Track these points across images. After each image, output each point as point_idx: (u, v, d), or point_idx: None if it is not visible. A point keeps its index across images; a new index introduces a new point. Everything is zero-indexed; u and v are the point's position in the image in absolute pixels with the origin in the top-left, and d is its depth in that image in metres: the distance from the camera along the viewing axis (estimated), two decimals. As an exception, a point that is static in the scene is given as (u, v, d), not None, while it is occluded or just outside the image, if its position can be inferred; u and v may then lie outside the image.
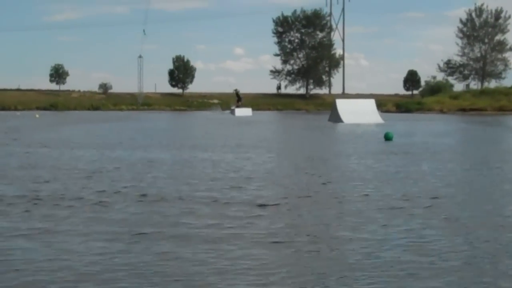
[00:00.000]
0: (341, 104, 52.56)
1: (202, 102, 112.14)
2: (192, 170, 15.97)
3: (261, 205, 10.72)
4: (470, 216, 9.94)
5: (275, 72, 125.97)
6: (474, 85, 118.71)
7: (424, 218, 9.65)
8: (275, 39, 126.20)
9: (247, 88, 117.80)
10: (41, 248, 7.83)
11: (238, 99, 74.47)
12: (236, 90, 77.18)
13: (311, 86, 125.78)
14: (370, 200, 11.36)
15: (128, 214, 9.96)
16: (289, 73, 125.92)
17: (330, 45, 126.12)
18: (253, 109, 75.07)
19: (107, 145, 24.89)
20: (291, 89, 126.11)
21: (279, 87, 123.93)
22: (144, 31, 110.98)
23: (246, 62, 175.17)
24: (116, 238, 8.35)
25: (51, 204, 10.79)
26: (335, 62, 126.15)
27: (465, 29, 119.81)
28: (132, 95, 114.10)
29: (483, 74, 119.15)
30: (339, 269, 6.88)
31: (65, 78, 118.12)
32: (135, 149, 22.77)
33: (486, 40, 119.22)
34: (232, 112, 72.00)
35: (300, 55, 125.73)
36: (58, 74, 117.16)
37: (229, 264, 7.08)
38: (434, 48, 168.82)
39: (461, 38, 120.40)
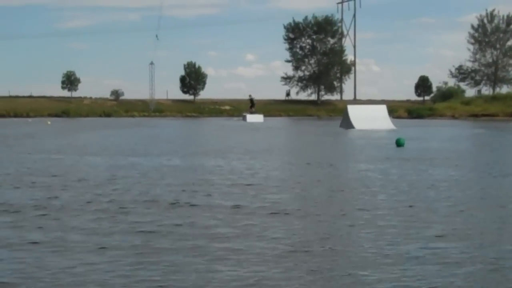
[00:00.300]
0: (352, 110, 52.57)
1: (214, 109, 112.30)
2: (208, 176, 16.03)
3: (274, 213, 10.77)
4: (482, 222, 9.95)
5: (287, 79, 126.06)
6: (486, 90, 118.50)
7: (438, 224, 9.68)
8: (287, 46, 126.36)
9: (258, 94, 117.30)
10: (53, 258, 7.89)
11: (252, 105, 74.42)
12: (250, 96, 77.30)
13: (323, 92, 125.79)
14: (380, 207, 11.38)
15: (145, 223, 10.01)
16: (300, 79, 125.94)
17: (341, 51, 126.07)
18: (264, 115, 75.01)
19: (120, 151, 24.98)
20: (303, 95, 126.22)
21: (288, 93, 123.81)
22: (157, 36, 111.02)
23: (257, 68, 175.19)
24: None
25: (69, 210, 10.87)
26: (346, 68, 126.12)
27: (476, 34, 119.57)
28: (143, 102, 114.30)
29: (495, 80, 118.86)
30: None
31: (77, 85, 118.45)
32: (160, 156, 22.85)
33: (498, 46, 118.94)
34: (244, 118, 72.01)
35: (312, 61, 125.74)
36: (70, 81, 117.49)
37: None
38: (445, 53, 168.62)
39: (472, 43, 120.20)
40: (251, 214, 10.66)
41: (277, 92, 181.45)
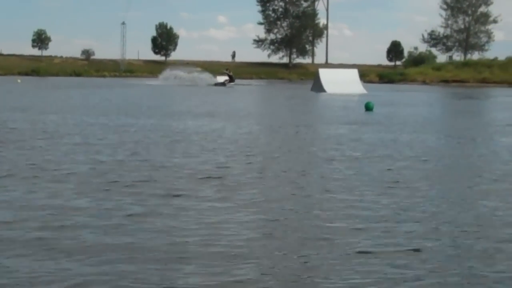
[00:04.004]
0: (324, 73, 52.59)
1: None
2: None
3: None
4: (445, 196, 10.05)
5: (259, 41, 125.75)
6: (457, 56, 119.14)
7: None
8: (259, 8, 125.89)
9: (229, 56, 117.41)
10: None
11: (230, 79, 67.28)
12: (227, 69, 71.54)
13: (294, 56, 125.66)
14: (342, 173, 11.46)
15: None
16: (272, 42, 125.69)
17: (314, 14, 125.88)
18: (236, 78, 74.50)
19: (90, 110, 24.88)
20: (274, 58, 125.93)
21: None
22: None
23: (229, 31, 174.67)
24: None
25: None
26: (318, 32, 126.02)
27: (449, 0, 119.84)
28: (114, 62, 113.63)
29: (466, 46, 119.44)
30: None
31: (47, 44, 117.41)
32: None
33: (470, 12, 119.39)
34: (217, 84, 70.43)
35: (284, 24, 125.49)
36: (40, 39, 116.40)
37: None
38: (418, 19, 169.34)
39: (445, 9, 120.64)
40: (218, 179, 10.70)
41: (249, 54, 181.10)
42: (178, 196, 8.90)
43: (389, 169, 11.49)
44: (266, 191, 9.42)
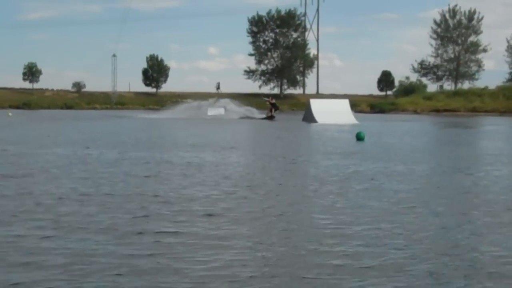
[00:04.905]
0: (315, 104, 52.72)
1: (176, 102, 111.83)
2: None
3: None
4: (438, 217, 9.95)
5: (250, 72, 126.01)
6: (448, 85, 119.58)
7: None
8: (250, 39, 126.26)
9: (216, 87, 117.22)
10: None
11: (274, 108, 59.55)
12: (270, 97, 64.75)
13: (285, 86, 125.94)
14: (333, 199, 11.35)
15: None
16: (263, 73, 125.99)
17: (304, 45, 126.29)
18: (226, 109, 74.17)
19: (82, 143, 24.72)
20: (265, 89, 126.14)
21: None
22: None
23: (220, 62, 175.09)
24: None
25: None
26: (309, 62, 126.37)
27: (439, 30, 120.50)
28: (105, 94, 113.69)
29: (457, 75, 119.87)
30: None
31: (38, 77, 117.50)
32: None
33: (460, 41, 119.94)
34: (205, 110, 69.48)
35: (275, 55, 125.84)
36: (31, 72, 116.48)
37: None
38: (408, 49, 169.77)
39: (435, 39, 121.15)
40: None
41: (240, 86, 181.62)
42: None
43: (383, 200, 11.38)
44: (257, 228, 9.29)
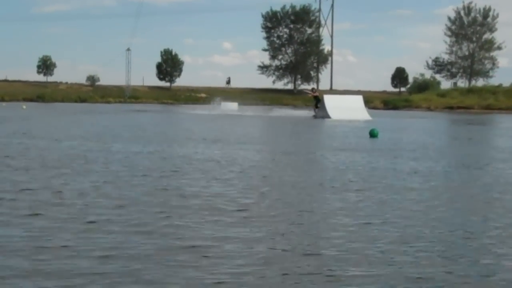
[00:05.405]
0: (329, 100, 52.59)
1: (190, 96, 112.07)
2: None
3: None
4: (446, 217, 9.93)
5: (263, 67, 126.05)
6: (462, 83, 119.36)
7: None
8: (264, 34, 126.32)
9: (234, 82, 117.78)
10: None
11: (317, 100, 55.65)
12: (313, 89, 63.62)
13: (299, 82, 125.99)
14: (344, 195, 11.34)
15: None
16: (277, 68, 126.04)
17: (318, 41, 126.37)
18: (241, 104, 74.43)
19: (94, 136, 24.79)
20: (279, 85, 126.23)
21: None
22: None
23: (234, 57, 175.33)
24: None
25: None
26: (323, 58, 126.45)
27: (453, 27, 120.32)
28: (119, 88, 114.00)
29: (471, 73, 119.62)
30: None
31: (52, 70, 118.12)
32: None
33: (474, 39, 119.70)
34: (219, 105, 70.22)
35: (289, 51, 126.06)
36: (45, 65, 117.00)
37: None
38: (422, 46, 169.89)
39: (449, 36, 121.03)
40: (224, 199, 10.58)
41: (254, 81, 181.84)
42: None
43: (393, 198, 11.37)
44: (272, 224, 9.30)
